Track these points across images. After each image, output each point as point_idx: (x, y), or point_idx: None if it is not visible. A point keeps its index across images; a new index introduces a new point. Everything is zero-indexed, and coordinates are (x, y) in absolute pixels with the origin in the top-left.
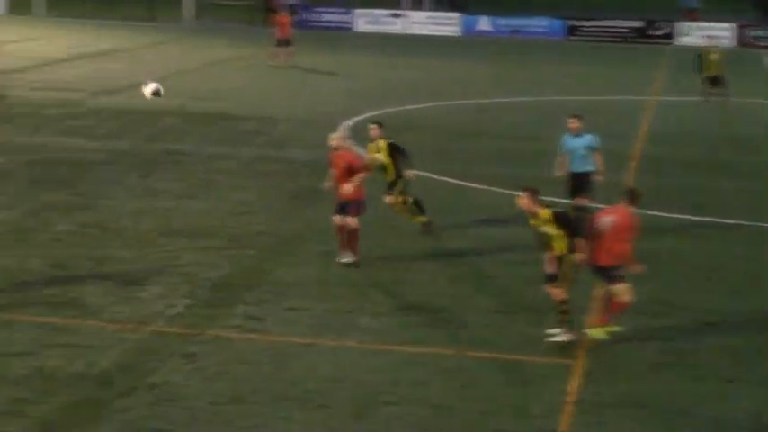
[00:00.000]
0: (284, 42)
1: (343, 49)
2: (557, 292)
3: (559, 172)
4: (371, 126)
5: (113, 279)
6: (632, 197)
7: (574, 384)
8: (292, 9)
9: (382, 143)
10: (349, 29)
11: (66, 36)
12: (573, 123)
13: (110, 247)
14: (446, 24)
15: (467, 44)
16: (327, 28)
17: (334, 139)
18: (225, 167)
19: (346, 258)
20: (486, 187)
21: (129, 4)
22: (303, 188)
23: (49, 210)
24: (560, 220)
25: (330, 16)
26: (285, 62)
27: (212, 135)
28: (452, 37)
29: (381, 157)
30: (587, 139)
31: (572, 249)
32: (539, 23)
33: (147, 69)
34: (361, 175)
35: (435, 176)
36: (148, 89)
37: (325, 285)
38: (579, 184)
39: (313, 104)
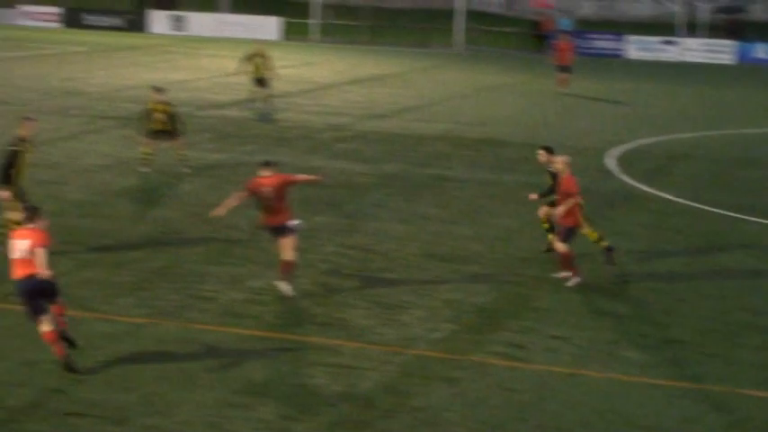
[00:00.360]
0: (564, 69)
1: (615, 75)
2: None
3: None
4: (539, 152)
5: (377, 301)
6: None
7: None
8: (572, 35)
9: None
10: (620, 55)
11: (339, 61)
12: None
13: (375, 269)
14: (721, 52)
15: (743, 72)
16: (598, 54)
17: (558, 162)
18: (491, 193)
19: (569, 281)
20: (760, 220)
21: (401, 31)
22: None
23: (318, 231)
24: None
25: (601, 42)
26: (562, 89)
27: (479, 161)
28: (728, 65)
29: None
30: None
31: None
32: None
33: (417, 94)
34: (572, 201)
35: (706, 207)
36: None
37: (589, 313)
38: None
39: (582, 132)
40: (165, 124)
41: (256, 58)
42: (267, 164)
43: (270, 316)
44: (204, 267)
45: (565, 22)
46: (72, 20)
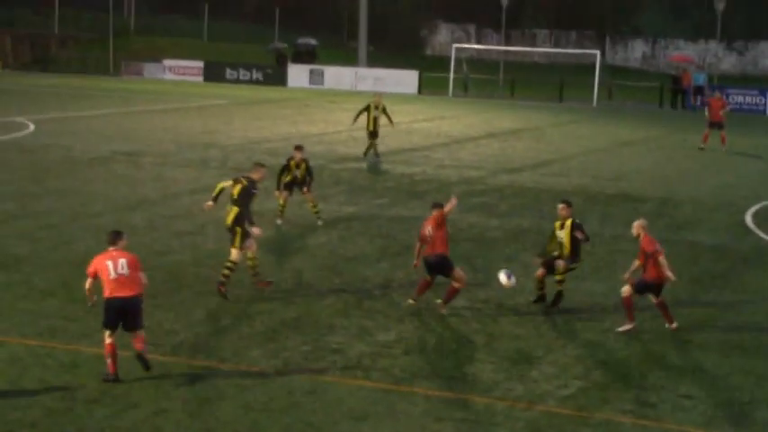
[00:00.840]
0: (717, 125)
1: (756, 131)
2: None
3: None
4: (560, 206)
5: (507, 356)
6: None
7: None
8: (722, 92)
9: (568, 222)
10: (762, 111)
11: (475, 115)
12: None
13: (504, 323)
14: None
15: None
16: (739, 110)
17: (635, 227)
18: (624, 249)
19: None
20: None
21: (540, 86)
22: (705, 272)
23: (447, 285)
24: None
25: (742, 98)
26: (721, 146)
27: (613, 215)
28: None
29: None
30: None
31: None
32: None
33: (553, 149)
34: (660, 259)
35: None
36: (505, 278)
37: (722, 373)
38: None
39: (720, 187)
40: (301, 176)
41: (374, 110)
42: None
43: (397, 369)
44: (334, 319)
45: (699, 77)
46: (214, 74)
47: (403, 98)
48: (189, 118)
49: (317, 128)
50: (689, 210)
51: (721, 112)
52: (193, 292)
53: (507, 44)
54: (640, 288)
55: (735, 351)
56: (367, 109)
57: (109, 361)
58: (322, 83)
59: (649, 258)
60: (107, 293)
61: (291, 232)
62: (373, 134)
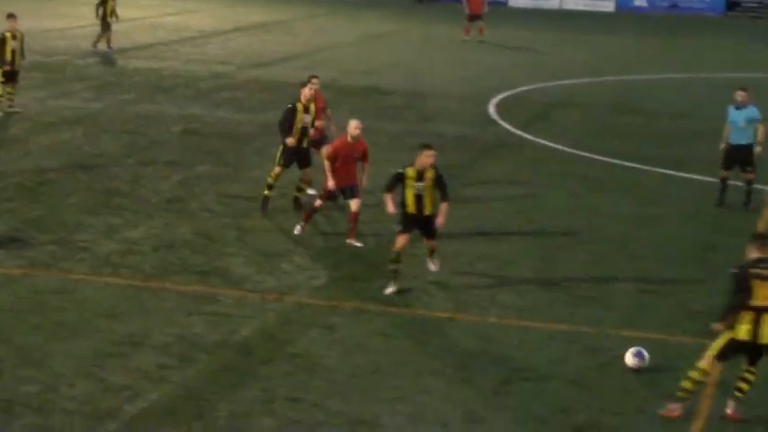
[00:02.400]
0: (477, 17)
1: (498, 24)
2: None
3: (722, 144)
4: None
5: (257, 250)
6: None
7: (717, 367)
8: None
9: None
10: (504, 3)
11: (221, 9)
12: (740, 95)
13: (254, 217)
14: (601, 0)
15: (622, 20)
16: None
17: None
18: (374, 141)
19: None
20: (638, 166)
21: None
22: (449, 163)
23: (200, 179)
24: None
25: None
26: (474, 37)
27: (363, 109)
28: (607, 13)
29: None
30: (750, 111)
31: None
32: None
33: (300, 42)
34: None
35: (585, 153)
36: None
37: (468, 259)
38: (738, 156)
39: (464, 79)
40: (16, 59)
41: (109, 2)
42: None
43: (147, 266)
44: (81, 217)
45: None
46: None
47: None
48: None
49: (61, 22)
50: (436, 102)
51: (480, 5)
52: None
53: None
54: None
55: (481, 237)
56: (102, 2)
57: None
58: None
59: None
60: None
61: (34, 129)
62: (106, 26)
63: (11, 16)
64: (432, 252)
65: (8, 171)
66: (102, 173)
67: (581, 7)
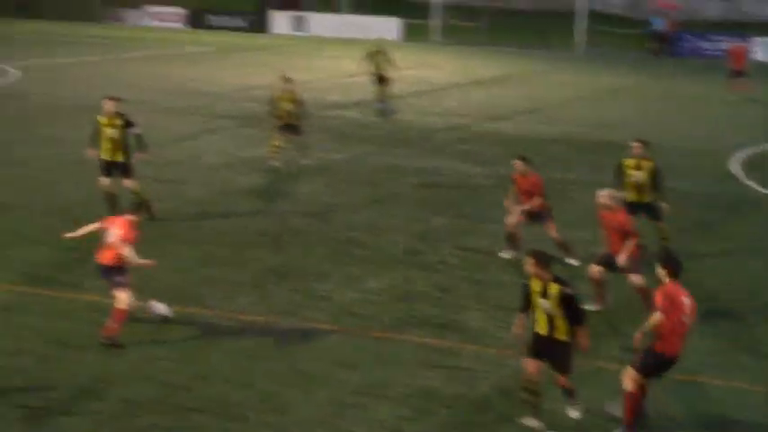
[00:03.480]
0: (738, 73)
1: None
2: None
3: None
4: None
5: (495, 304)
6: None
7: None
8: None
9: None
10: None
11: (459, 62)
12: None
13: (491, 271)
14: None
15: None
16: (723, 56)
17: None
18: None
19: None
20: None
21: (522, 32)
22: (690, 221)
23: (436, 232)
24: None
25: (727, 44)
26: (742, 93)
27: (599, 164)
28: None
29: None
30: None
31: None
32: None
33: (536, 96)
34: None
35: None
36: None
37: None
38: None
39: (704, 135)
40: (291, 117)
41: (377, 55)
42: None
43: (386, 317)
44: (321, 267)
45: (657, 21)
46: (196, 21)
47: (386, 45)
48: (172, 65)
49: (302, 75)
50: (675, 157)
51: (743, 60)
52: (180, 240)
53: None
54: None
55: (717, 304)
56: (371, 56)
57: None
58: (305, 30)
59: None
60: None
61: (278, 179)
62: (380, 80)
63: (287, 80)
64: (567, 392)
65: (252, 220)
66: (342, 223)
67: None
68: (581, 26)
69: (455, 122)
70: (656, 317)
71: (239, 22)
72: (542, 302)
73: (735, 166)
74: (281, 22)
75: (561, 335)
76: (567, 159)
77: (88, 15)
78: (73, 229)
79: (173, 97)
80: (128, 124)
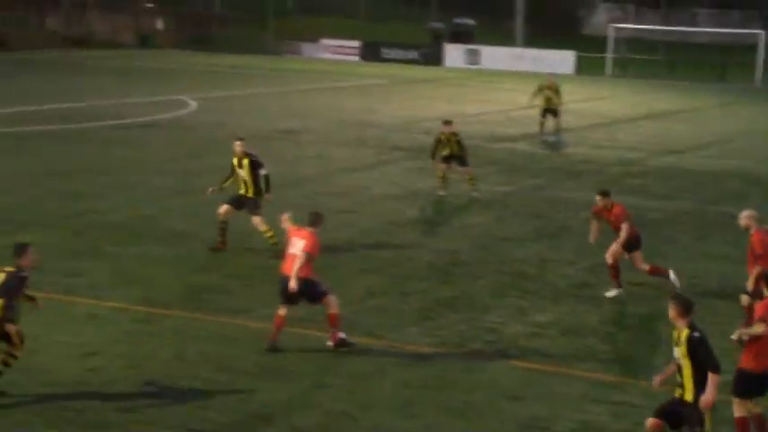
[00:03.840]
0: None
1: None
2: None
3: None
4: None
5: (665, 338)
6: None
7: None
8: None
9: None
10: None
11: (632, 96)
12: None
13: (662, 305)
14: None
15: None
16: None
17: (743, 218)
18: None
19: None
20: None
21: (699, 65)
22: None
23: (605, 265)
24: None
25: None
26: None
27: None
28: None
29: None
30: None
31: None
32: None
33: (714, 130)
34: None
35: None
36: None
37: None
38: None
39: None
40: (455, 150)
41: (547, 90)
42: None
43: (554, 350)
44: (489, 299)
45: None
46: (370, 53)
47: (560, 78)
48: (346, 97)
49: (473, 107)
50: None
51: None
52: (350, 270)
53: (666, 23)
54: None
55: None
56: (541, 90)
57: (274, 330)
58: (478, 63)
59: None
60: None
61: (447, 211)
62: (551, 113)
63: (446, 123)
64: None
65: (421, 251)
66: (511, 256)
67: None
68: (761, 59)
69: (628, 156)
70: (760, 327)
71: (413, 54)
72: (674, 351)
73: None
74: (454, 55)
75: (688, 395)
76: (742, 194)
77: (264, 48)
78: (243, 256)
79: (345, 128)
80: (256, 165)
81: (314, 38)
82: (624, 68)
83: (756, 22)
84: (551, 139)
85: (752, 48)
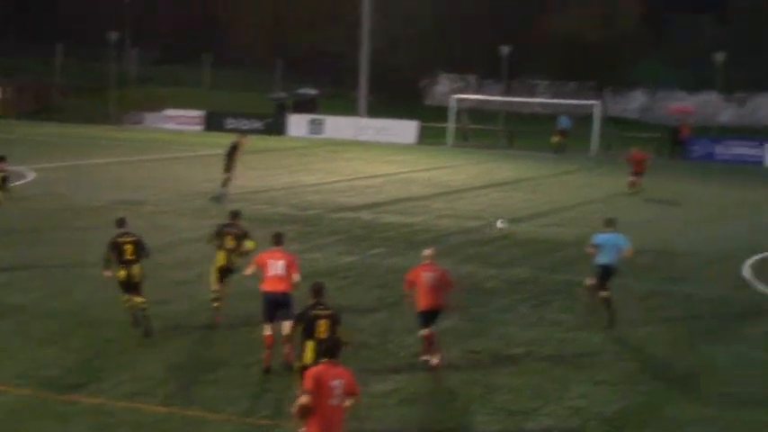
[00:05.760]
0: (639, 174)
1: (755, 182)
2: None
3: None
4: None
5: (503, 408)
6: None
7: None
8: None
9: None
10: (761, 162)
11: (473, 165)
12: None
13: (500, 374)
14: None
15: None
16: (737, 161)
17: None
18: (621, 300)
19: None
20: None
21: (540, 136)
22: (701, 326)
23: (444, 334)
24: None
25: (740, 149)
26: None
27: None
28: None
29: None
30: None
31: None
32: None
33: (551, 199)
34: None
35: None
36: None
37: (721, 425)
38: None
39: (718, 239)
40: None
41: (235, 149)
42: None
43: (391, 419)
44: None
45: (564, 121)
46: (214, 123)
47: (403, 148)
48: (190, 167)
49: (315, 177)
50: (686, 261)
51: (644, 165)
52: (190, 341)
53: (507, 94)
54: None
55: (727, 407)
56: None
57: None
58: (322, 132)
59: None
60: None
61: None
62: (227, 167)
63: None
64: None
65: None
66: (353, 325)
67: None
68: (596, 130)
69: (468, 225)
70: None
71: (257, 124)
72: None
73: (746, 270)
74: (298, 124)
75: None
76: (579, 261)
77: (106, 118)
78: (86, 331)
79: (187, 198)
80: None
81: (157, 108)
82: (466, 139)
83: (591, 92)
84: (219, 192)
85: (588, 118)
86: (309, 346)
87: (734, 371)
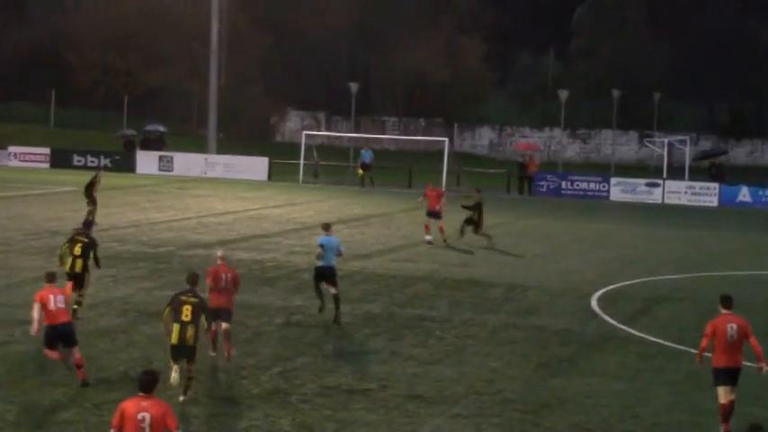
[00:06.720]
0: (434, 215)
1: (600, 216)
2: None
3: None
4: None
5: None
6: None
7: None
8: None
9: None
10: (605, 197)
11: (324, 201)
12: None
13: (355, 409)
14: (705, 195)
15: (726, 215)
16: (582, 196)
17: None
18: (474, 333)
19: None
20: (746, 363)
21: (390, 172)
22: (552, 357)
23: (299, 371)
24: None
25: (585, 184)
26: (440, 236)
27: (462, 301)
28: (711, 207)
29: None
30: None
31: None
32: None
33: (402, 234)
34: None
35: (691, 349)
36: None
37: None
38: None
39: (565, 272)
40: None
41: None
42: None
43: None
44: (185, 408)
45: (367, 155)
46: (61, 160)
47: (253, 185)
48: (34, 205)
49: (165, 214)
50: (536, 294)
51: (441, 202)
52: (37, 382)
53: (357, 131)
54: None
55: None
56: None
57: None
58: (171, 169)
59: None
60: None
61: (139, 321)
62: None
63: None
64: None
65: (113, 361)
66: (205, 362)
67: (684, 202)
68: (446, 166)
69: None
70: None
71: (105, 161)
72: None
73: (594, 302)
74: (147, 161)
75: None
76: (431, 296)
77: None
78: None
79: (33, 238)
80: None
81: (0, 144)
82: (316, 175)
83: (442, 129)
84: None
85: (437, 154)
86: (176, 329)
87: (585, 400)
